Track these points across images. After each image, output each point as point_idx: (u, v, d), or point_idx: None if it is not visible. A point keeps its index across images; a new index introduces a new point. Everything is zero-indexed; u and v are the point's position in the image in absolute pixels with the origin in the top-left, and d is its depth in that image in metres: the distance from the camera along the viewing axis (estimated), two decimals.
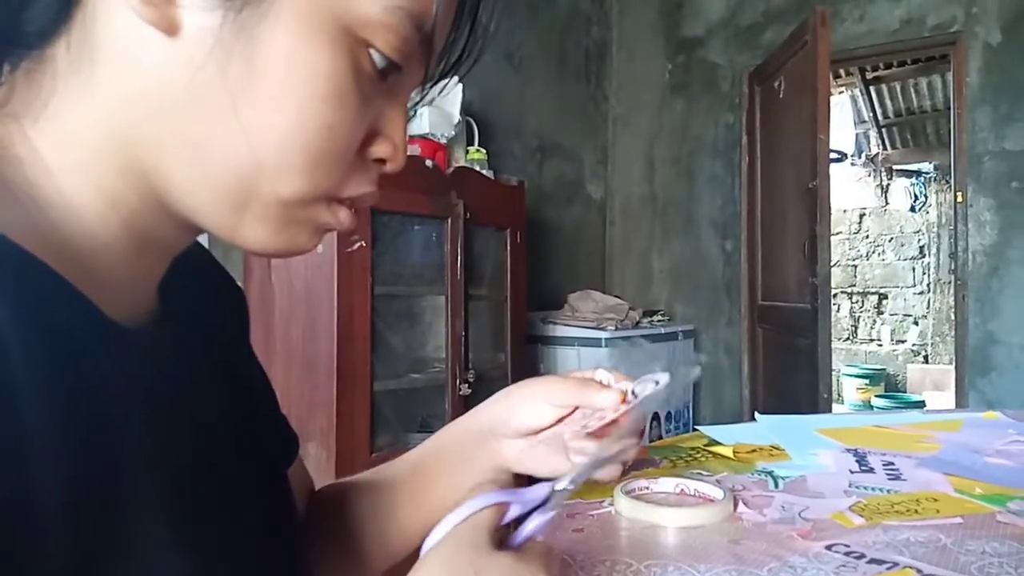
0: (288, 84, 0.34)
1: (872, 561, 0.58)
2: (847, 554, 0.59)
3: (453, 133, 2.39)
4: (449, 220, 2.19)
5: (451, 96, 2.30)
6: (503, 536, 0.40)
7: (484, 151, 2.63)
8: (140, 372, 0.36)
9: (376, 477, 0.63)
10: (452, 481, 0.60)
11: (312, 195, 0.37)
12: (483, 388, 2.19)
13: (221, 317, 0.51)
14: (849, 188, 6.69)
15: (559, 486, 0.43)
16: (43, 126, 0.34)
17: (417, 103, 0.43)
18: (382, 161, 0.40)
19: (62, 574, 0.28)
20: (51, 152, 0.34)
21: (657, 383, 0.51)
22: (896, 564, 0.57)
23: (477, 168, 2.48)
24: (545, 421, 0.55)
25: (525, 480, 0.52)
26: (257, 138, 0.34)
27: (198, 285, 0.46)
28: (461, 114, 2.39)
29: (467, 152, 2.58)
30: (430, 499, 0.61)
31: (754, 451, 0.92)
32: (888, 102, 5.90)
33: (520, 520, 0.41)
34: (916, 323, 6.56)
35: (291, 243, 0.38)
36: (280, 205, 0.36)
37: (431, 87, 0.42)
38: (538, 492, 0.42)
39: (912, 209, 6.60)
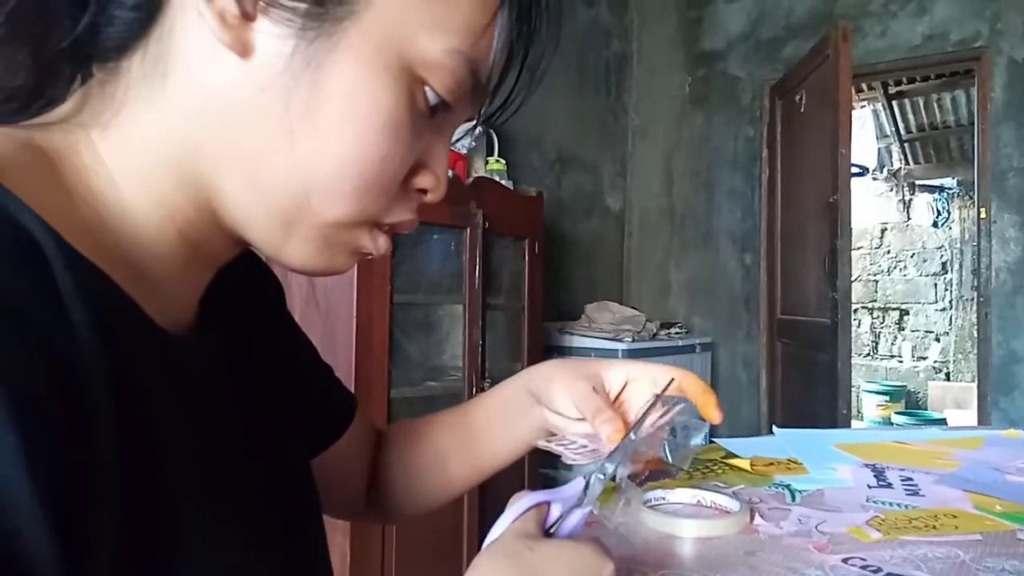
0: (349, 115, 0.35)
1: (889, 575, 0.58)
2: (863, 567, 0.59)
3: (473, 144, 2.41)
4: (468, 230, 2.21)
5: None
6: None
7: (503, 162, 2.65)
8: (180, 376, 0.37)
9: (439, 422, 0.68)
10: (508, 432, 0.64)
11: (358, 219, 0.38)
12: None
13: (260, 311, 0.52)
14: (871, 203, 6.63)
15: (592, 477, 0.46)
16: (110, 135, 0.36)
17: (459, 139, 0.45)
18: (423, 191, 0.42)
19: (115, 562, 0.29)
20: (115, 161, 0.36)
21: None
22: None
23: (496, 179, 2.50)
24: (572, 415, 0.56)
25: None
26: (312, 162, 0.35)
27: (237, 283, 0.48)
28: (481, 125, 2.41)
29: (487, 163, 2.60)
30: (486, 447, 0.65)
31: (771, 464, 0.92)
32: (911, 117, 5.85)
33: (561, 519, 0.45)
34: (938, 340, 6.47)
35: (330, 263, 0.40)
36: (326, 227, 0.38)
37: (477, 125, 0.45)
38: (574, 488, 0.45)
39: (935, 225, 6.53)
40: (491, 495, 2.12)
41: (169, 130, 0.36)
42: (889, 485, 0.83)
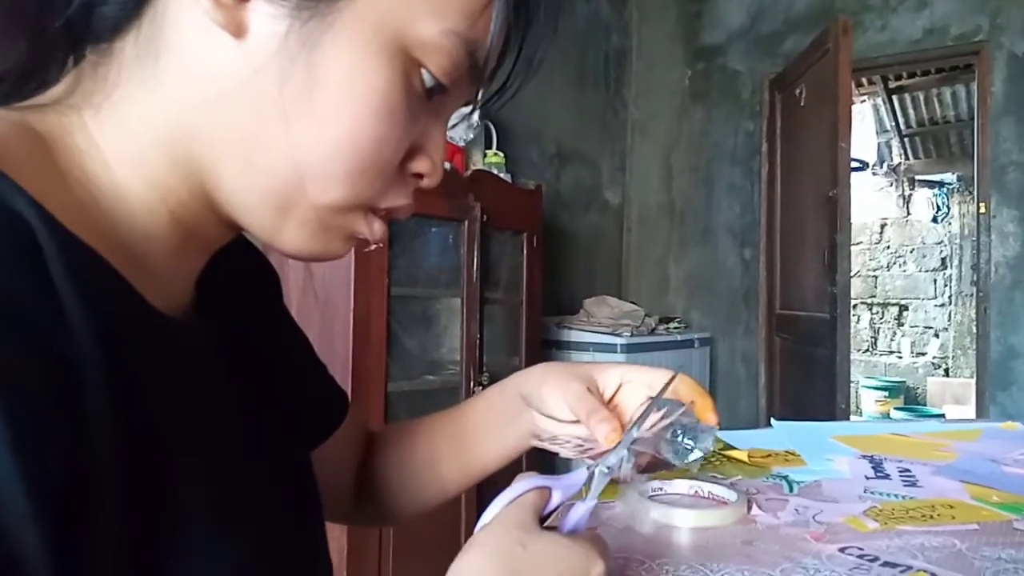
0: (345, 96, 0.35)
1: (886, 564, 0.58)
2: (860, 557, 0.59)
3: (471, 136, 2.41)
4: (466, 223, 2.20)
5: None
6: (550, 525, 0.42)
7: (502, 155, 2.65)
8: (179, 362, 0.37)
9: (432, 424, 0.67)
10: (497, 438, 0.63)
11: (353, 203, 0.38)
12: None
13: (256, 302, 0.52)
14: (870, 198, 6.62)
15: (596, 470, 0.45)
16: (103, 117, 0.35)
17: (455, 125, 0.44)
18: (419, 176, 0.41)
19: (115, 561, 0.28)
20: (109, 143, 0.35)
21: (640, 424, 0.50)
22: (910, 567, 0.57)
23: (495, 172, 2.49)
24: (565, 417, 0.55)
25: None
26: (307, 145, 0.35)
27: (233, 272, 0.47)
28: (479, 117, 2.40)
29: (485, 155, 2.59)
30: (476, 452, 0.64)
31: (769, 456, 0.92)
32: (911, 111, 5.84)
33: (564, 510, 0.44)
34: (937, 335, 6.48)
35: (325, 248, 0.40)
36: (321, 210, 0.37)
37: (474, 110, 0.44)
38: (578, 477, 0.44)
39: (934, 220, 6.52)
40: (488, 488, 2.11)
41: (162, 112, 0.35)
42: (887, 476, 0.83)
